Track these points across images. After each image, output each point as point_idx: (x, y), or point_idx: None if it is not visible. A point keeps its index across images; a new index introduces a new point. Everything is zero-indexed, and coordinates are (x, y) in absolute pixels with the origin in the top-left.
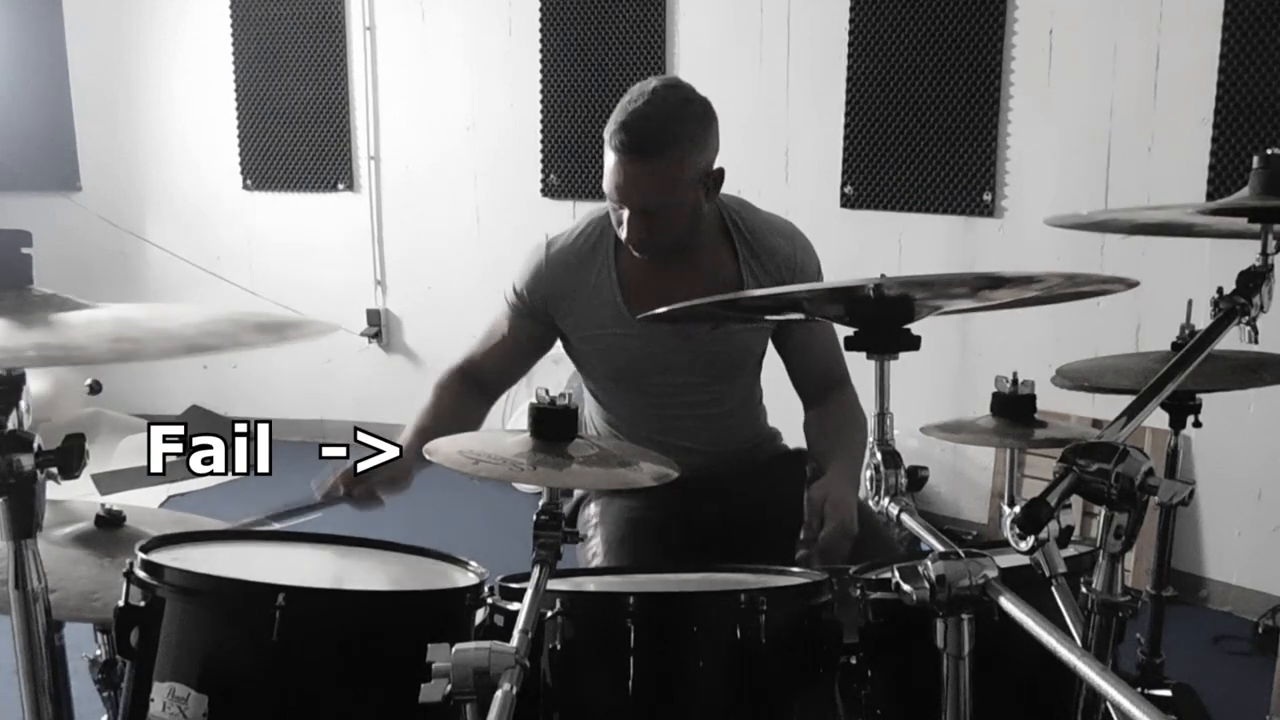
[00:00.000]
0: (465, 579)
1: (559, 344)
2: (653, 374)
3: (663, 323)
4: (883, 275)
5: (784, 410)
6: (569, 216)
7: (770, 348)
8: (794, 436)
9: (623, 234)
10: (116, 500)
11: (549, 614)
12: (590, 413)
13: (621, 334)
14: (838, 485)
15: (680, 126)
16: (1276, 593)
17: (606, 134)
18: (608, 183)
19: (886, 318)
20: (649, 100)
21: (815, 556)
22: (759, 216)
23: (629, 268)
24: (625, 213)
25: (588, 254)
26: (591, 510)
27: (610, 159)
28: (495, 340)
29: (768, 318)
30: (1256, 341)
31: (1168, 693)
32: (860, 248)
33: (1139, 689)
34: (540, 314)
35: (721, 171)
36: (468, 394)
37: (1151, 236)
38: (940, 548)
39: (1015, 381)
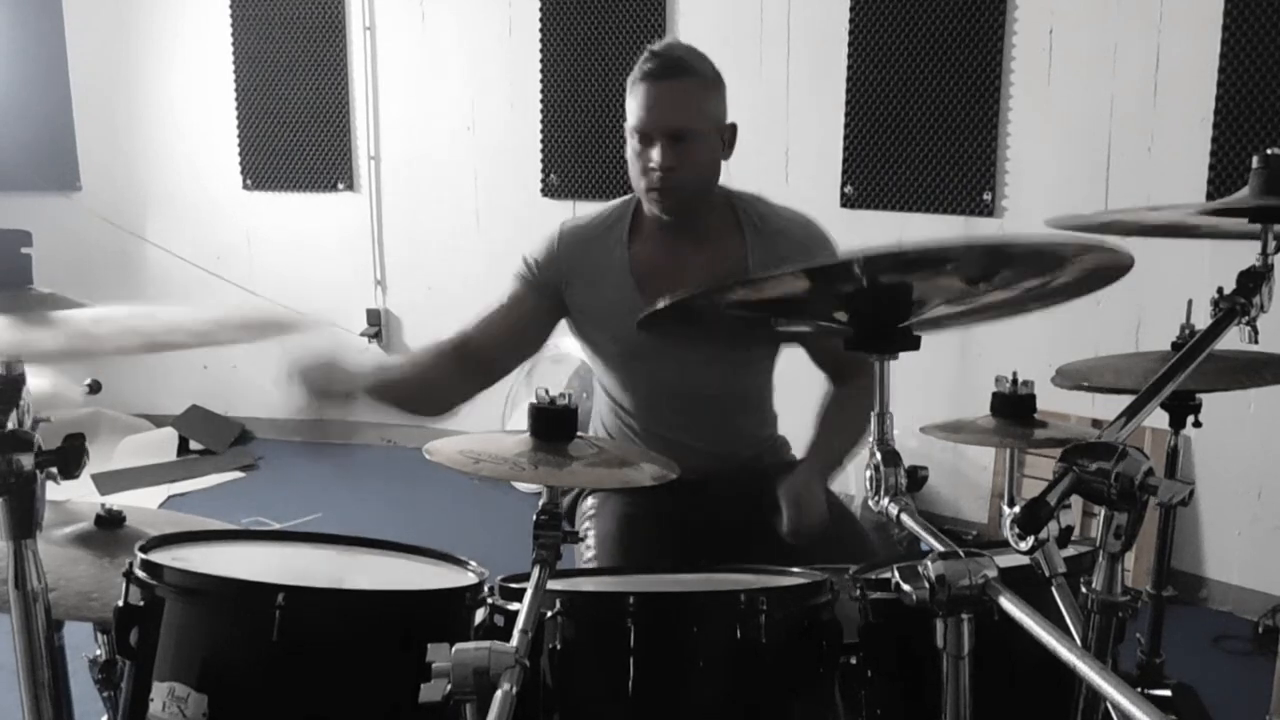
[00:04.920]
0: (465, 579)
1: (558, 344)
2: (665, 354)
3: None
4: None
5: (792, 419)
6: (569, 216)
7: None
8: (803, 447)
9: (649, 174)
10: (116, 500)
11: (549, 614)
12: (599, 412)
13: (632, 315)
14: (801, 475)
15: (700, 62)
16: (1276, 593)
17: (633, 77)
18: (635, 116)
19: (886, 317)
20: (669, 42)
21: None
22: (772, 208)
23: (640, 250)
24: (654, 150)
25: (602, 234)
26: (589, 504)
27: (639, 92)
28: (493, 309)
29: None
30: (1256, 341)
31: (1168, 693)
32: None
33: (1139, 689)
34: (548, 287)
35: (735, 127)
36: (445, 353)
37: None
38: (940, 548)
39: (1015, 381)
